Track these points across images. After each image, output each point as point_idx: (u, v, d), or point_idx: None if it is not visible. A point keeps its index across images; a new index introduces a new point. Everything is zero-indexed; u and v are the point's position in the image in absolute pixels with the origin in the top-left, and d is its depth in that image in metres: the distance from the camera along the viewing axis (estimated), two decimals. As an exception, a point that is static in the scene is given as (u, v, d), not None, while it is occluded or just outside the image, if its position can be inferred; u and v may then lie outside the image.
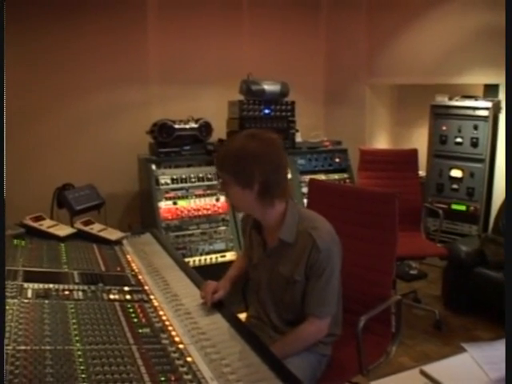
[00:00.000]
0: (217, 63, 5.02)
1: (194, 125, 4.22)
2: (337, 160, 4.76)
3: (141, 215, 4.56)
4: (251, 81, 4.43)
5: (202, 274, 2.35)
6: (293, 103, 4.59)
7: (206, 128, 4.21)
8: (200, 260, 3.98)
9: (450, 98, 5.05)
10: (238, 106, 4.39)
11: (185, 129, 4.18)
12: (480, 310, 4.10)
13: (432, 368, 1.39)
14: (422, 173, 5.24)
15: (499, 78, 4.63)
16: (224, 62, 5.05)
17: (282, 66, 5.16)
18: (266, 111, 4.47)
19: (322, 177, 4.61)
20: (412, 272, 5.02)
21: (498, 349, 1.49)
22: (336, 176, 4.73)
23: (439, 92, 5.08)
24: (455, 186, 5.02)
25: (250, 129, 4.24)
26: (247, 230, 2.25)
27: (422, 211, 4.53)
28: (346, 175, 4.76)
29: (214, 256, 4.01)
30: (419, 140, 5.43)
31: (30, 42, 4.22)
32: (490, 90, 4.91)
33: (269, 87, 4.44)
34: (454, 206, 5.03)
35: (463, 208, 4.96)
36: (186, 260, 3.85)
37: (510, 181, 1.43)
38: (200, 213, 4.06)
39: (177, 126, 4.14)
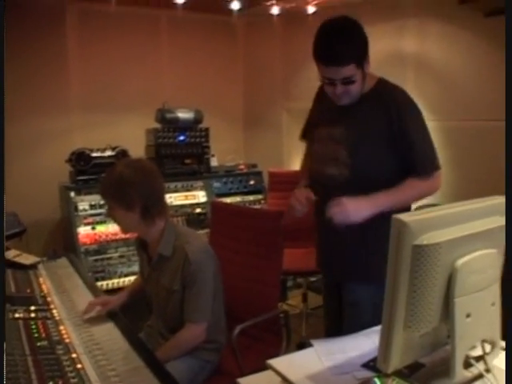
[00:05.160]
0: (137, 91, 5.16)
1: (111, 153, 4.38)
2: (252, 182, 5.00)
3: (63, 241, 4.68)
4: (166, 109, 4.64)
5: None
6: (207, 129, 4.83)
7: (122, 155, 4.37)
8: (118, 282, 4.12)
9: None
10: (153, 133, 4.61)
11: (102, 157, 4.34)
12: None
13: (277, 361, 1.62)
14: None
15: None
16: (144, 89, 5.18)
17: (202, 92, 5.36)
18: (181, 138, 4.68)
19: (238, 199, 4.83)
20: (330, 285, 5.27)
21: (340, 342, 1.75)
22: (251, 197, 4.95)
23: None
24: None
25: (163, 155, 4.50)
26: (137, 249, 2.49)
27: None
28: (260, 196, 4.99)
29: (132, 277, 4.11)
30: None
31: None
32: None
33: (183, 115, 4.67)
34: None
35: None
36: (105, 282, 4.01)
37: (510, 182, 1.64)
38: (118, 237, 4.20)
39: (94, 155, 4.30)
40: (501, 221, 1.48)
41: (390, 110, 2.13)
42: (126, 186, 2.13)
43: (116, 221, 2.29)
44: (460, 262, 1.31)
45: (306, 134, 2.55)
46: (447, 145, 4.50)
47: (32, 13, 4.48)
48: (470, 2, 3.78)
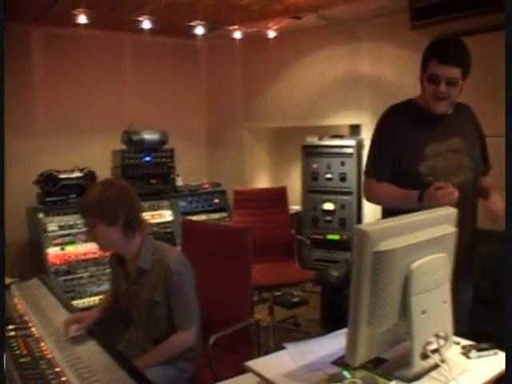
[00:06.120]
0: (102, 113, 5.25)
1: (78, 174, 4.46)
2: (216, 201, 5.14)
3: (31, 262, 4.72)
4: (131, 131, 4.76)
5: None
6: (172, 150, 4.97)
7: (90, 177, 4.46)
8: (89, 301, 4.18)
9: (320, 138, 5.50)
10: (120, 154, 4.71)
11: (70, 178, 4.41)
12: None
13: (254, 363, 1.77)
14: (298, 208, 5.71)
15: (361, 119, 5.21)
16: (109, 111, 5.28)
17: (166, 114, 5.51)
18: (147, 159, 4.81)
19: (203, 217, 4.96)
20: (294, 300, 5.42)
21: (310, 344, 1.91)
22: (216, 216, 5.08)
23: (312, 133, 5.53)
24: (329, 218, 5.44)
25: (130, 176, 4.61)
26: (113, 266, 2.60)
27: (294, 242, 4.94)
28: (225, 214, 5.12)
29: (102, 296, 4.19)
30: (296, 177, 5.89)
31: None
32: (355, 130, 5.46)
33: (148, 136, 4.80)
34: (329, 236, 5.44)
35: (337, 237, 5.40)
36: (76, 302, 4.07)
37: (510, 183, 1.80)
38: (87, 257, 4.28)
39: (62, 176, 4.37)
40: (450, 228, 1.67)
41: (476, 122, 2.62)
42: (109, 201, 2.28)
43: (97, 238, 2.39)
44: (415, 264, 1.50)
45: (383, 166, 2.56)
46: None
47: (-3, 38, 4.54)
48: (419, 28, 4.02)
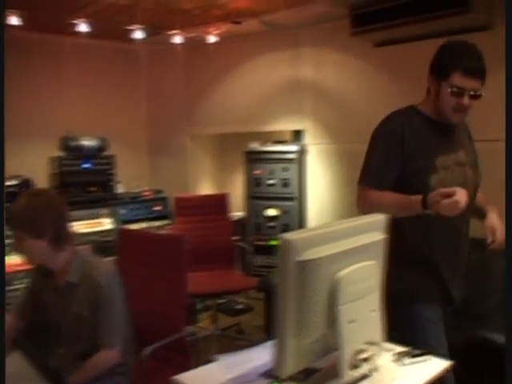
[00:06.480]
0: (39, 118, 5.12)
1: (13, 182, 4.32)
2: (157, 208, 5.07)
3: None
4: (69, 137, 4.65)
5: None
6: (112, 157, 4.87)
7: (25, 185, 4.33)
8: (26, 313, 4.05)
9: (263, 144, 5.45)
10: (57, 161, 4.59)
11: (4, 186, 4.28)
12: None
13: (183, 376, 1.72)
14: (241, 214, 5.68)
15: (303, 125, 5.23)
16: (47, 117, 5.15)
17: (106, 120, 5.42)
18: (86, 165, 4.70)
19: (144, 225, 4.88)
20: (238, 307, 5.39)
21: (244, 355, 1.87)
22: (157, 223, 5.01)
23: (255, 139, 5.49)
24: (272, 224, 5.41)
25: (68, 183, 4.50)
26: (36, 279, 2.48)
27: (235, 249, 4.90)
28: (166, 222, 5.05)
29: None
30: (239, 184, 5.88)
31: None
32: (297, 135, 5.48)
33: (87, 143, 4.70)
34: (272, 242, 5.43)
35: (281, 243, 5.40)
36: (11, 314, 3.93)
37: (510, 183, 1.75)
38: (23, 268, 4.11)
39: (-5, 184, 4.24)
40: (379, 235, 1.66)
41: (470, 133, 2.56)
42: (36, 213, 2.18)
43: (24, 252, 2.29)
44: (341, 273, 1.48)
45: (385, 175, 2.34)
46: (344, 166, 4.78)
47: None
48: (360, 34, 4.07)
